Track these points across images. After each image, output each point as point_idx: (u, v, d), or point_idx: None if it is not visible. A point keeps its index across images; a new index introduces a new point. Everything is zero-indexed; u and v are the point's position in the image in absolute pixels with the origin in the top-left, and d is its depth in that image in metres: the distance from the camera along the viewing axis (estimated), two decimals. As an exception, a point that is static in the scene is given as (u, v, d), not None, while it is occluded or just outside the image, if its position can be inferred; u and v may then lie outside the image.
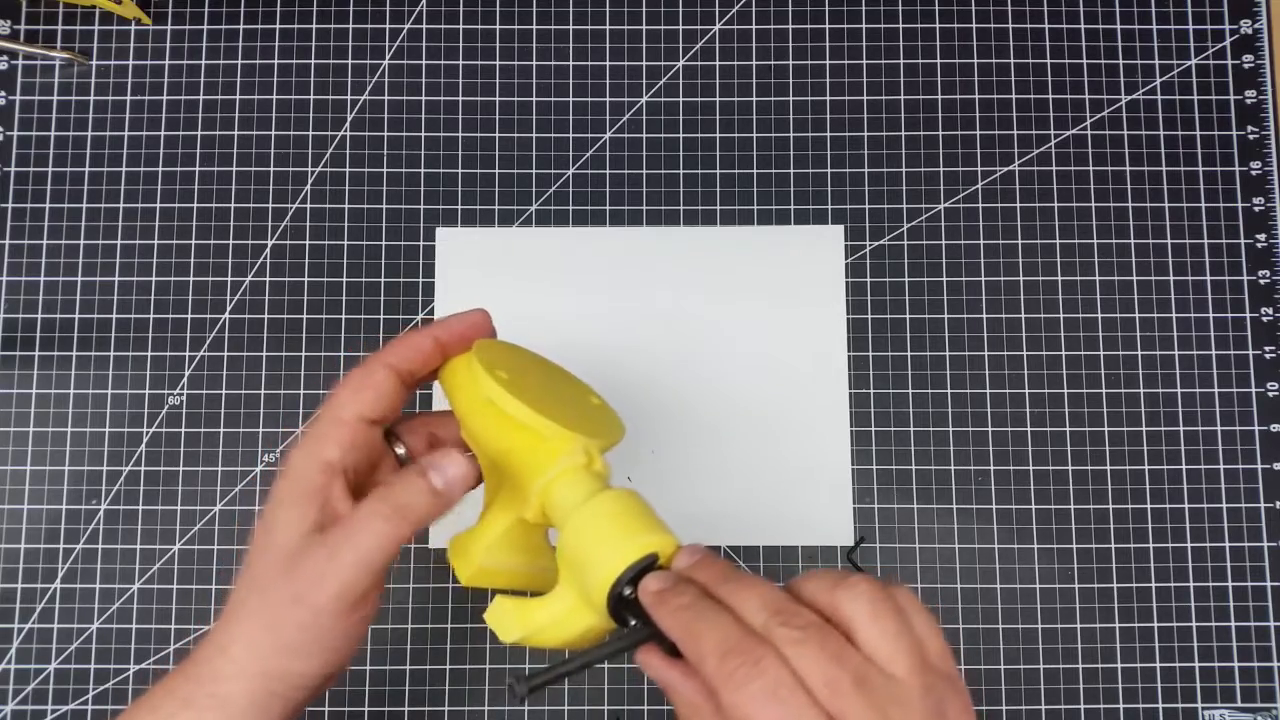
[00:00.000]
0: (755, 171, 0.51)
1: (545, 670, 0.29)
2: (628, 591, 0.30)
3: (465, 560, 0.34)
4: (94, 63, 0.52)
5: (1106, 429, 0.49)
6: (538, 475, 0.33)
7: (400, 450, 0.37)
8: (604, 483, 0.33)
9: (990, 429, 0.49)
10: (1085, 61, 0.52)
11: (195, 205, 0.51)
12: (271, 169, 0.51)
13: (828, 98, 0.52)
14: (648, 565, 0.30)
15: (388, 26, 0.52)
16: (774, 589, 0.29)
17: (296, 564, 0.32)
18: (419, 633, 0.48)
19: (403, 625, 0.48)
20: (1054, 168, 0.51)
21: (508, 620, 0.32)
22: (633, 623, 0.30)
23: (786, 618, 0.27)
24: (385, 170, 0.51)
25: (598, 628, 0.32)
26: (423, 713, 0.47)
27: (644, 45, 0.52)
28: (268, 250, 0.50)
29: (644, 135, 0.51)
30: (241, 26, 0.52)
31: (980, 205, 0.51)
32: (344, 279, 0.50)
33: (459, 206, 0.51)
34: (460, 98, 0.52)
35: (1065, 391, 0.50)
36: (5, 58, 0.52)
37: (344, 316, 0.50)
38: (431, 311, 0.50)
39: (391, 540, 0.32)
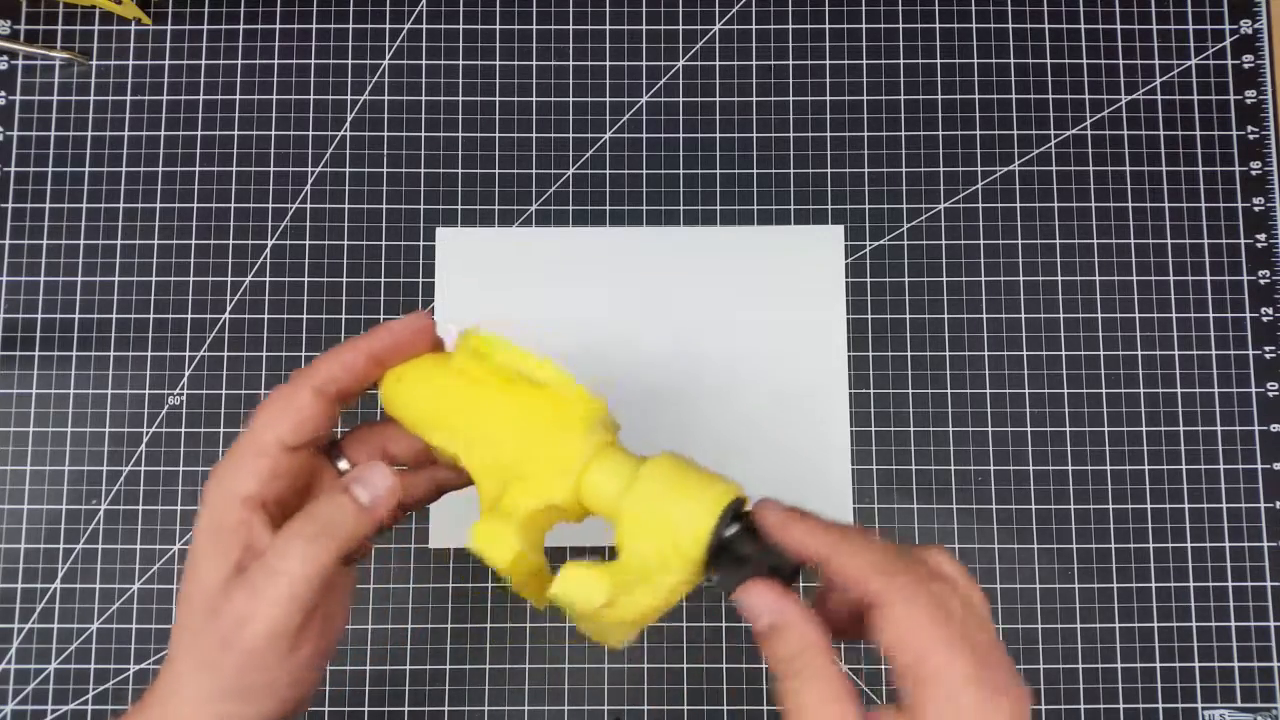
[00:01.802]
0: (755, 171, 0.51)
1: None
2: (731, 531, 0.30)
3: (500, 542, 0.31)
4: (94, 63, 0.52)
5: (1106, 429, 0.49)
6: (571, 449, 0.31)
7: (344, 465, 0.34)
8: (627, 450, 0.32)
9: (990, 429, 0.49)
10: (1085, 61, 0.52)
11: (195, 205, 0.51)
12: (271, 169, 0.51)
13: (828, 98, 0.52)
14: (737, 507, 0.30)
15: (388, 26, 0.52)
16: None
17: (219, 608, 0.29)
18: (419, 633, 0.48)
19: (403, 625, 0.48)
20: (1054, 168, 0.51)
21: (590, 583, 0.29)
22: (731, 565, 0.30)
23: (901, 551, 0.29)
24: (385, 170, 0.51)
25: (682, 585, 0.30)
26: (423, 713, 0.47)
27: (644, 45, 0.52)
28: (268, 250, 0.50)
29: (644, 135, 0.51)
30: (241, 26, 0.52)
31: (980, 205, 0.51)
32: (344, 279, 0.50)
33: (459, 206, 0.51)
34: (460, 98, 0.52)
35: (1065, 391, 0.50)
36: (5, 58, 0.52)
37: (344, 316, 0.50)
38: (431, 311, 0.50)
39: (317, 566, 0.30)
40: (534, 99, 0.52)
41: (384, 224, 0.51)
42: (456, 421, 0.32)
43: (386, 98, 0.52)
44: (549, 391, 0.32)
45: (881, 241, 0.51)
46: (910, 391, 0.49)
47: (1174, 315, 0.50)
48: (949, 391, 0.49)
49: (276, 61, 0.52)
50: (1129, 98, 0.52)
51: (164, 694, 0.30)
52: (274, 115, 0.51)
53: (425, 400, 0.33)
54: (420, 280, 0.50)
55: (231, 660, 0.29)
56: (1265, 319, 0.50)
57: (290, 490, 0.32)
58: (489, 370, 0.33)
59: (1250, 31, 0.52)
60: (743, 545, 0.30)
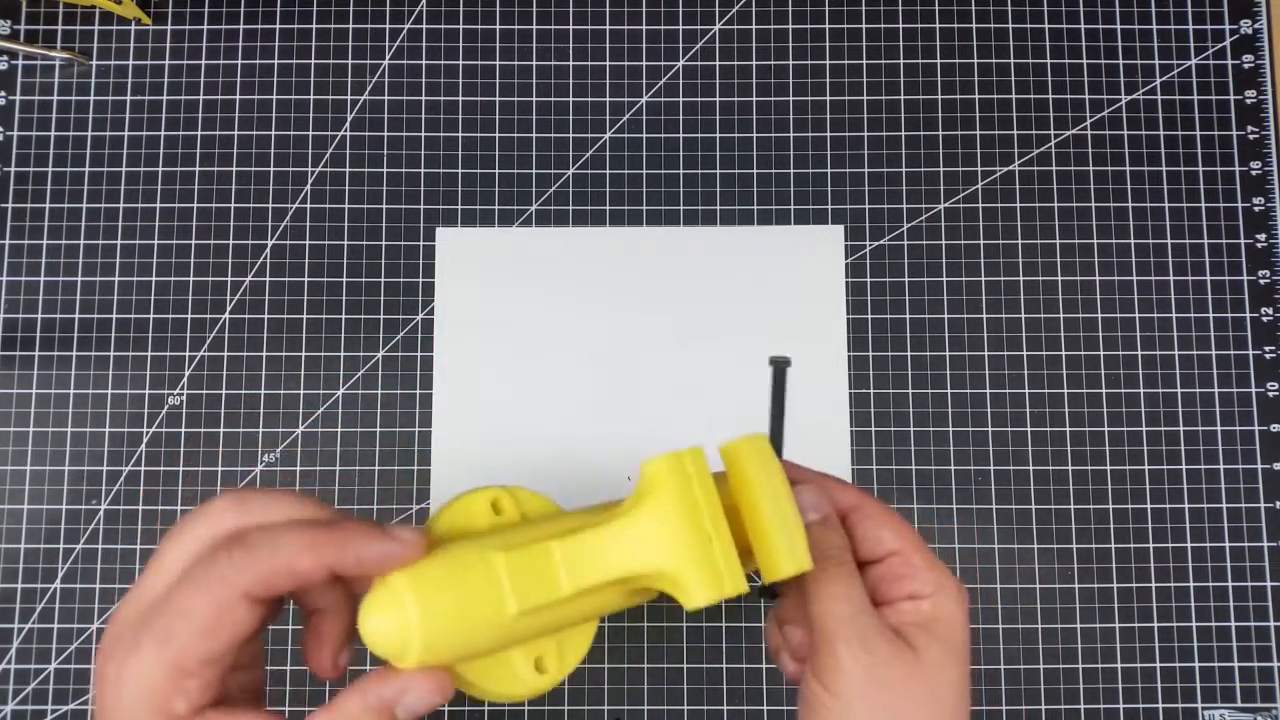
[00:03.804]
0: (755, 171, 0.51)
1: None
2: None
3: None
4: (94, 63, 0.52)
5: (1106, 429, 0.49)
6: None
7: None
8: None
9: (990, 429, 0.49)
10: (1085, 61, 0.52)
11: (195, 205, 0.51)
12: (271, 169, 0.51)
13: (828, 98, 0.52)
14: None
15: (388, 26, 0.52)
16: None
17: None
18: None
19: (403, 625, 0.48)
20: (1054, 168, 0.51)
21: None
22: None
23: None
24: (385, 170, 0.51)
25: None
26: (423, 713, 0.47)
27: (644, 45, 0.52)
28: (268, 250, 0.50)
29: (644, 135, 0.51)
30: (241, 26, 0.52)
31: (980, 205, 0.51)
32: (344, 279, 0.50)
33: (459, 206, 0.51)
34: (460, 98, 0.52)
35: (1065, 391, 0.50)
36: (5, 58, 0.52)
37: (344, 316, 0.50)
38: (431, 311, 0.50)
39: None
40: (534, 99, 0.52)
41: (384, 224, 0.51)
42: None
43: (386, 98, 0.52)
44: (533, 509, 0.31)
45: (881, 241, 0.51)
46: (910, 391, 0.49)
47: (1174, 315, 0.50)
48: (949, 391, 0.49)
49: (276, 61, 0.52)
50: (1129, 98, 0.52)
51: None
52: (274, 115, 0.51)
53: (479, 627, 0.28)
54: (420, 280, 0.50)
55: None
56: (1265, 319, 0.50)
57: (223, 670, 0.27)
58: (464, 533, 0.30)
59: (1250, 31, 0.52)
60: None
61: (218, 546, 0.26)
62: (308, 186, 0.51)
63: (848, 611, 0.31)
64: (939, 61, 0.52)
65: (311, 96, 0.52)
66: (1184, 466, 0.49)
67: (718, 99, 0.52)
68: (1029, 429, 0.49)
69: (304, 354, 0.50)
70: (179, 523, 0.28)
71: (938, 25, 0.52)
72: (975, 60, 0.52)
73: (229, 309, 0.50)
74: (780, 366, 0.31)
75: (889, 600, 0.32)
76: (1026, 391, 0.50)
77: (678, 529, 0.29)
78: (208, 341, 0.50)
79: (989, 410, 0.49)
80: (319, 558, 0.26)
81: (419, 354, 0.50)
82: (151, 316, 0.50)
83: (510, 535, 0.29)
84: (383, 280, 0.50)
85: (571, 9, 0.52)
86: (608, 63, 0.52)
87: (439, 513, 0.31)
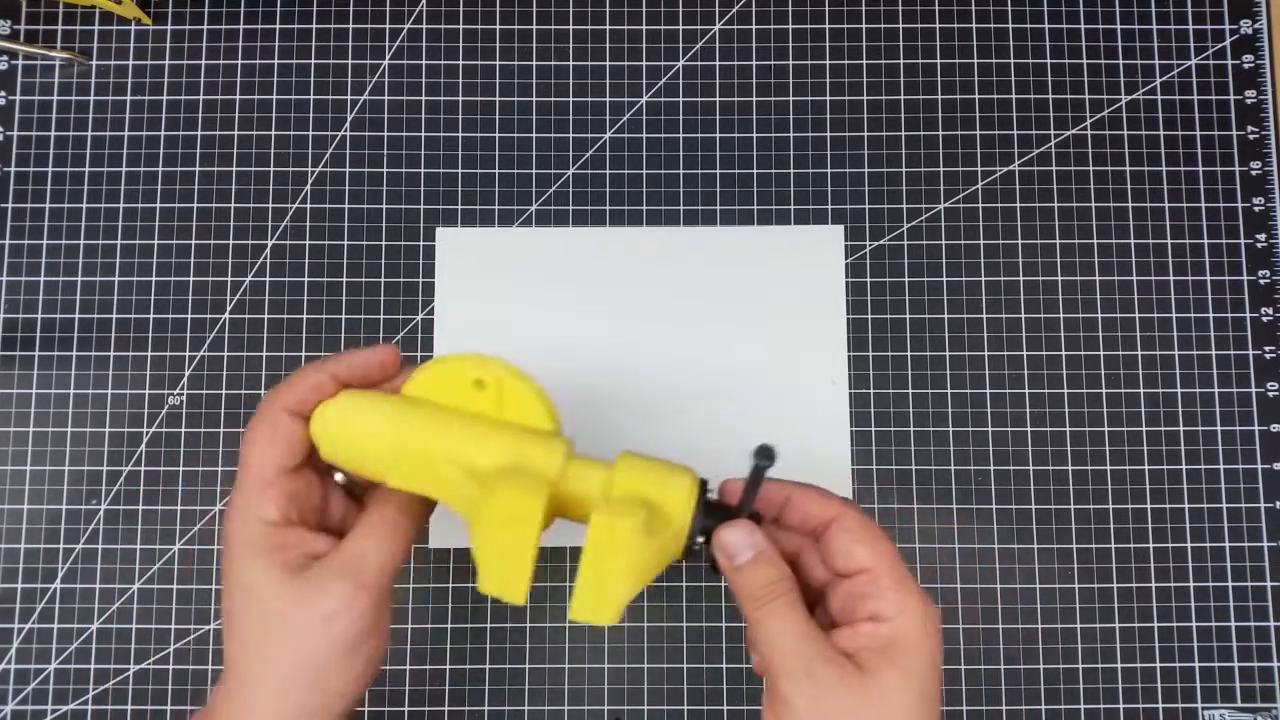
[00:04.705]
0: (755, 171, 0.51)
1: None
2: (710, 498, 0.34)
3: (517, 583, 0.33)
4: (94, 63, 0.52)
5: (1106, 429, 0.49)
6: (548, 459, 0.34)
7: (339, 477, 0.37)
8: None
9: (990, 429, 0.49)
10: (1085, 61, 0.52)
11: (195, 205, 0.51)
12: (271, 169, 0.51)
13: (828, 98, 0.52)
14: (704, 485, 0.34)
15: (388, 26, 0.52)
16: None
17: (311, 594, 0.32)
18: (419, 633, 0.48)
19: (403, 625, 0.48)
20: (1054, 168, 0.51)
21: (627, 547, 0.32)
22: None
23: None
24: (385, 170, 0.51)
25: (664, 558, 0.34)
26: (422, 713, 0.47)
27: (644, 45, 0.52)
28: (268, 250, 0.50)
29: (644, 135, 0.51)
30: (241, 26, 0.52)
31: (980, 205, 0.51)
32: (344, 279, 0.50)
33: (459, 206, 0.51)
34: (460, 98, 0.52)
35: (1065, 391, 0.50)
36: (5, 58, 0.52)
37: (344, 316, 0.50)
38: (431, 311, 0.50)
39: (393, 558, 0.34)
40: (534, 99, 0.52)
41: (384, 224, 0.51)
42: (427, 448, 0.34)
43: (386, 98, 0.52)
44: (512, 405, 0.35)
45: (881, 241, 0.51)
46: (910, 391, 0.49)
47: (1174, 315, 0.50)
48: (949, 391, 0.49)
49: (276, 61, 0.52)
50: (1129, 98, 0.52)
51: (235, 698, 0.32)
52: (274, 115, 0.51)
53: (371, 439, 0.34)
54: (420, 280, 0.50)
55: (333, 638, 0.32)
56: (1265, 319, 0.50)
57: (309, 505, 0.35)
58: (438, 397, 0.35)
59: (1250, 31, 0.52)
60: (716, 513, 0.34)
61: None
62: (308, 186, 0.51)
63: (786, 645, 0.31)
64: (939, 61, 0.52)
65: (311, 96, 0.52)
66: (1184, 466, 0.49)
67: (718, 99, 0.52)
68: (1029, 429, 0.49)
69: (304, 354, 0.50)
70: None
71: (938, 25, 0.52)
72: (975, 60, 0.52)
73: (229, 309, 0.50)
74: (761, 463, 0.32)
75: (850, 620, 0.32)
76: (1026, 391, 0.50)
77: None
78: (208, 341, 0.50)
79: (989, 410, 0.49)
80: (323, 370, 0.34)
81: (419, 354, 0.50)
82: (151, 316, 0.50)
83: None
84: (383, 280, 0.50)
85: (571, 9, 0.52)
86: (608, 63, 0.52)
87: (427, 365, 0.35)
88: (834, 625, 0.33)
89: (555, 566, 0.48)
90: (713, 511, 0.34)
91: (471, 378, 0.35)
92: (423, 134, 0.51)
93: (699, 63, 0.52)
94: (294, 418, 0.34)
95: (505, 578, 0.33)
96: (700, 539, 0.34)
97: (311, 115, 0.51)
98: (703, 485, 0.34)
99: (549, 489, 0.33)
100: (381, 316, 0.50)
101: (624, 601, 0.33)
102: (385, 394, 0.35)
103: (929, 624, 0.31)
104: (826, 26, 0.52)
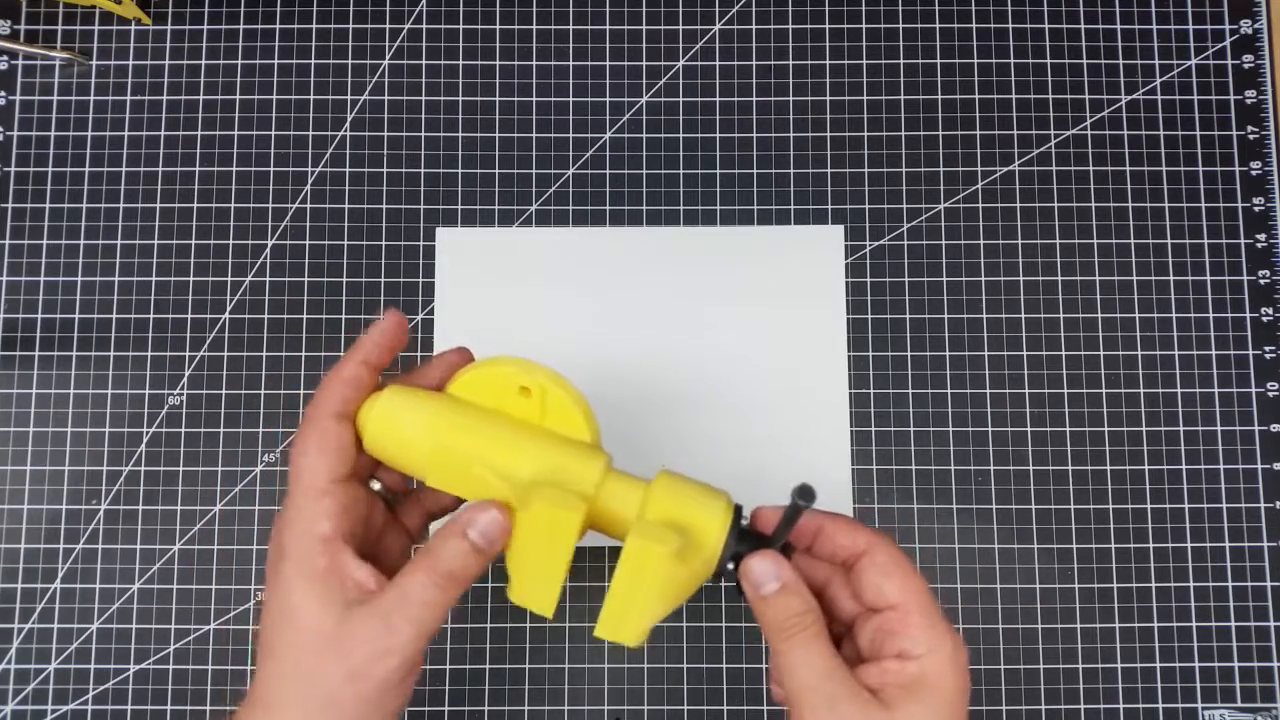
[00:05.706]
0: (755, 171, 0.51)
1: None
2: (743, 524, 0.34)
3: (547, 595, 0.34)
4: (94, 63, 0.52)
5: (1106, 429, 0.49)
6: (586, 473, 0.34)
7: (376, 486, 0.37)
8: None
9: (990, 429, 0.49)
10: (1085, 61, 0.52)
11: (195, 205, 0.51)
12: (271, 169, 0.51)
13: (828, 98, 0.52)
14: (739, 511, 0.34)
15: (388, 26, 0.52)
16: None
17: (343, 643, 0.31)
18: (419, 633, 0.48)
19: (403, 625, 0.48)
20: (1054, 168, 0.51)
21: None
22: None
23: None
24: (385, 170, 0.51)
25: (695, 582, 0.34)
26: (423, 713, 0.47)
27: (644, 45, 0.52)
28: (268, 250, 0.50)
29: (644, 135, 0.51)
30: (241, 26, 0.52)
31: (980, 205, 0.51)
32: (344, 279, 0.50)
33: (459, 206, 0.51)
34: (460, 98, 0.52)
35: (1065, 391, 0.50)
36: (5, 58, 0.52)
37: (344, 316, 0.50)
38: (431, 311, 0.50)
39: (444, 607, 0.32)
40: (534, 99, 0.52)
41: (384, 224, 0.51)
42: (455, 456, 0.34)
43: (386, 98, 0.52)
44: (554, 414, 0.35)
45: (881, 241, 0.51)
46: (910, 391, 0.49)
47: (1174, 315, 0.50)
48: (949, 391, 0.49)
49: (276, 61, 0.52)
50: (1129, 98, 0.52)
51: None
52: (274, 115, 0.51)
53: (414, 435, 0.34)
54: (420, 280, 0.50)
55: (358, 691, 0.31)
56: (1265, 319, 0.50)
57: (359, 520, 0.34)
58: (482, 399, 0.35)
59: (1250, 31, 0.52)
60: (748, 541, 0.34)
61: None
62: (308, 186, 0.51)
63: (810, 678, 0.31)
64: (939, 61, 0.52)
65: (311, 96, 0.52)
66: (1184, 466, 0.49)
67: (718, 99, 0.52)
68: (1029, 429, 0.49)
69: (304, 354, 0.50)
70: None
71: (938, 25, 0.52)
72: (975, 60, 0.52)
73: (229, 309, 0.50)
74: (799, 504, 0.31)
75: (877, 657, 0.32)
76: (1026, 391, 0.50)
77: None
78: (208, 341, 0.50)
79: (989, 410, 0.49)
80: (351, 359, 0.35)
81: (419, 354, 0.50)
82: (151, 316, 0.50)
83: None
84: (383, 280, 0.50)
85: (571, 9, 0.52)
86: (608, 63, 0.52)
87: (473, 365, 0.36)
88: (861, 659, 0.33)
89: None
90: (745, 539, 0.34)
91: (517, 383, 0.35)
92: (422, 134, 0.51)
93: (699, 63, 0.52)
94: (340, 421, 0.34)
95: (536, 589, 0.33)
96: (730, 565, 0.34)
97: (311, 115, 0.51)
98: (737, 511, 0.34)
99: (586, 505, 0.33)
100: (381, 317, 0.50)
101: (651, 624, 0.33)
102: (431, 392, 0.35)
103: (957, 663, 0.31)
104: (826, 26, 0.52)
